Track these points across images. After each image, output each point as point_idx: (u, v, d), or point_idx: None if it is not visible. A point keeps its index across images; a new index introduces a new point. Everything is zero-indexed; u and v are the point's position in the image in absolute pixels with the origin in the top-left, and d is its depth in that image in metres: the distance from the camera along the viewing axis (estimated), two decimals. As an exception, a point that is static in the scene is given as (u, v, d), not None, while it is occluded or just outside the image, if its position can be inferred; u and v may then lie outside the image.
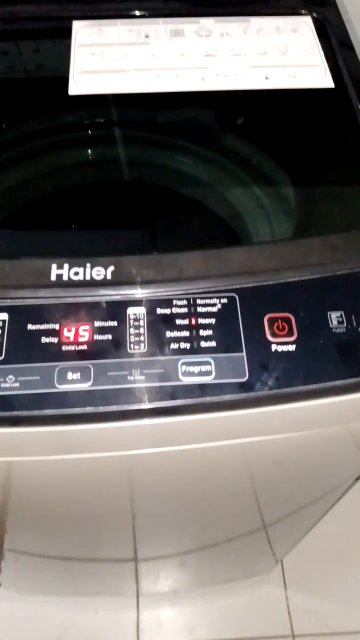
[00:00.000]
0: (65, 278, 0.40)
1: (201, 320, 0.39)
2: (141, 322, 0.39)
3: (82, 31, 0.58)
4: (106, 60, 0.56)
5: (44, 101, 0.60)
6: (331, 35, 0.60)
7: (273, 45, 0.58)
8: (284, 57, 0.57)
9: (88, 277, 0.41)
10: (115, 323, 0.39)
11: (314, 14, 0.61)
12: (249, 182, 0.58)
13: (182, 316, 0.39)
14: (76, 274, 0.41)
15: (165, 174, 0.61)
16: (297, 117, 0.58)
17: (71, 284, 0.40)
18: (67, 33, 0.57)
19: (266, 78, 0.55)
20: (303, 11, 0.61)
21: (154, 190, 0.59)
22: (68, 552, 0.84)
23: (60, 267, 0.41)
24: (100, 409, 0.36)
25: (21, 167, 0.60)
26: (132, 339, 0.38)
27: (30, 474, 0.45)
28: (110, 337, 0.39)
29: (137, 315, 0.39)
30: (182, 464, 0.44)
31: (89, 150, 0.62)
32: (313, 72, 0.56)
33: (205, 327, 0.39)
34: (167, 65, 0.55)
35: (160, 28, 0.59)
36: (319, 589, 1.14)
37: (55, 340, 0.38)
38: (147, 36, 0.58)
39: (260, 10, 0.61)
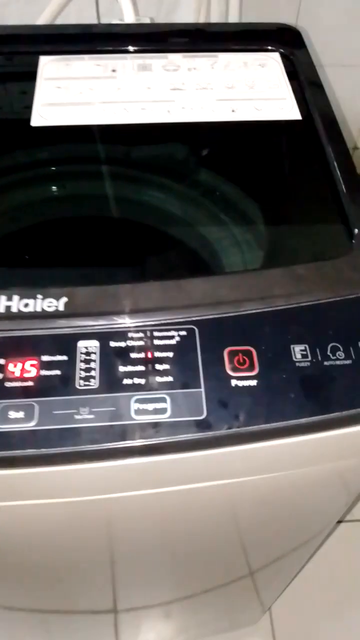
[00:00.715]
0: (14, 310, 0.38)
1: (157, 354, 0.37)
2: (93, 357, 0.37)
3: (49, 65, 0.58)
4: (71, 93, 0.55)
5: (12, 138, 0.59)
6: (299, 70, 0.60)
7: (240, 80, 0.58)
8: (251, 90, 0.57)
9: (39, 309, 0.38)
10: (65, 357, 0.37)
11: (282, 50, 0.61)
12: (219, 214, 0.57)
13: (137, 349, 0.37)
14: (26, 305, 0.39)
15: (134, 208, 0.60)
16: (266, 150, 0.57)
17: (20, 316, 0.38)
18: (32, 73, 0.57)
19: (232, 111, 0.55)
20: (270, 47, 0.61)
21: (120, 224, 0.57)
22: (42, 604, 0.79)
23: (9, 298, 0.39)
24: (43, 451, 0.33)
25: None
26: (82, 374, 0.36)
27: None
28: (59, 372, 0.36)
29: (89, 348, 0.37)
30: (137, 510, 0.41)
31: (54, 187, 0.61)
32: (280, 105, 0.55)
33: (161, 361, 0.37)
34: (133, 99, 0.55)
35: (128, 63, 0.59)
36: (309, 641, 1.07)
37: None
38: (114, 70, 0.58)
39: (228, 46, 0.62)
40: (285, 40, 0.63)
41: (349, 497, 0.54)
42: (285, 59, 0.61)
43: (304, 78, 0.59)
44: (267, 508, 0.48)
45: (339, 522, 1.18)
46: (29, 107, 0.54)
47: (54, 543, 0.48)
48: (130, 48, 0.60)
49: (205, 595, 0.83)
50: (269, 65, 0.60)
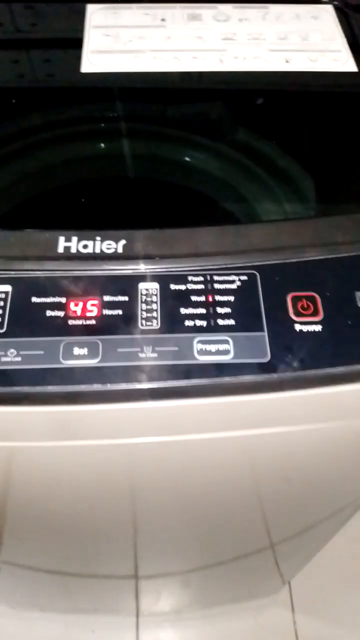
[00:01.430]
0: (73, 251, 0.38)
1: (218, 298, 0.36)
2: (154, 298, 0.36)
3: (97, 13, 0.57)
4: (121, 41, 0.54)
5: (55, 95, 0.58)
6: (354, 23, 0.58)
7: (293, 31, 0.56)
8: (305, 42, 0.55)
9: (98, 251, 0.38)
10: (126, 298, 0.36)
11: (335, 2, 0.59)
12: (262, 174, 0.56)
13: (197, 293, 0.37)
14: (85, 247, 0.38)
15: (175, 168, 0.59)
16: (315, 105, 0.55)
17: (79, 257, 0.38)
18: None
19: (286, 61, 0.53)
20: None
21: (165, 183, 0.57)
22: (66, 567, 0.80)
23: (68, 239, 0.38)
24: (109, 386, 0.33)
25: (28, 159, 0.59)
26: (144, 315, 0.36)
27: (31, 465, 0.41)
28: (120, 312, 0.36)
29: (150, 290, 0.37)
30: (193, 456, 0.41)
31: (101, 143, 0.60)
32: (335, 57, 0.54)
33: (223, 304, 0.36)
34: (183, 47, 0.54)
35: (177, 12, 0.57)
36: (328, 614, 1.08)
37: (61, 314, 0.35)
38: (163, 19, 0.56)
39: (279, -2, 0.60)
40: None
41: None
42: (339, 12, 0.59)
43: (358, 31, 0.57)
44: (308, 467, 0.47)
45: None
46: (78, 56, 0.53)
47: (96, 493, 0.48)
48: (179, -3, 0.59)
49: (225, 565, 0.84)
50: (322, 18, 0.58)
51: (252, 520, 0.64)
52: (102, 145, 0.60)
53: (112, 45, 0.53)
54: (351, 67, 0.53)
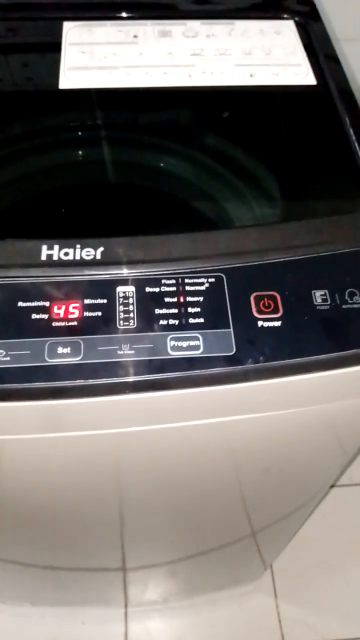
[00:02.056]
0: (55, 258, 0.41)
1: (189, 298, 0.40)
2: (130, 300, 0.40)
3: (73, 31, 0.60)
4: (96, 57, 0.57)
5: (34, 105, 0.61)
6: (313, 38, 0.62)
7: (257, 46, 0.60)
8: (268, 57, 0.59)
9: (78, 257, 0.41)
10: (105, 301, 0.40)
11: (296, 19, 0.63)
12: (234, 179, 0.59)
13: (170, 294, 0.40)
14: (66, 254, 0.41)
15: (153, 174, 0.62)
16: (280, 115, 0.59)
17: (61, 264, 0.41)
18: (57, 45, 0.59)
19: (251, 76, 0.57)
20: (285, 15, 0.63)
21: (141, 189, 0.60)
22: (55, 561, 0.83)
23: (50, 248, 0.42)
24: (90, 381, 0.36)
25: (10, 167, 0.61)
26: (122, 315, 0.39)
27: (19, 457, 0.45)
28: (100, 314, 0.39)
29: (127, 293, 0.40)
30: (170, 444, 0.45)
31: (78, 152, 0.63)
32: (296, 71, 0.58)
33: (193, 304, 0.40)
34: (155, 63, 0.57)
35: (149, 29, 0.61)
36: (309, 598, 1.13)
37: (45, 316, 0.39)
38: (135, 36, 0.60)
39: (244, 14, 0.64)
40: (298, 8, 0.65)
41: (346, 454, 0.57)
42: (300, 27, 0.63)
43: (318, 46, 0.61)
44: (275, 453, 0.51)
45: (332, 486, 1.24)
46: (56, 71, 0.56)
47: (82, 483, 0.51)
48: (150, 15, 0.62)
49: (209, 554, 0.87)
50: (284, 33, 0.62)
51: (233, 507, 0.68)
52: (80, 152, 0.63)
53: (87, 62, 0.57)
54: (310, 80, 0.57)
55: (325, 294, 0.41)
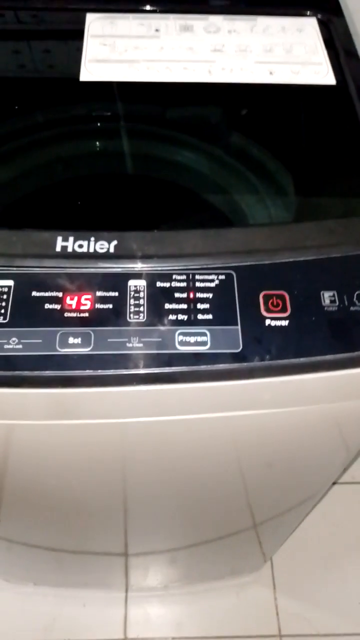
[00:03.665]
0: (69, 250, 0.42)
1: (199, 295, 0.41)
2: (141, 294, 0.41)
3: (95, 23, 0.60)
4: (117, 50, 0.58)
5: (54, 94, 0.62)
6: (335, 37, 0.62)
7: (278, 43, 0.60)
8: (289, 54, 0.59)
9: (92, 250, 0.42)
10: (116, 293, 0.41)
11: (319, 16, 0.63)
12: (250, 175, 0.60)
13: (180, 290, 0.41)
14: (80, 246, 0.42)
15: (169, 167, 0.63)
16: (298, 113, 0.59)
17: (75, 256, 0.42)
18: (79, 34, 0.59)
19: (270, 73, 0.57)
20: (308, 13, 0.63)
21: (157, 181, 0.61)
22: (60, 544, 0.84)
23: (65, 239, 0.43)
24: (99, 372, 0.38)
25: (29, 156, 0.62)
26: (132, 309, 0.40)
27: (28, 441, 0.46)
28: (111, 306, 0.40)
29: (138, 287, 0.41)
30: (174, 436, 0.46)
31: (97, 142, 0.64)
32: (316, 70, 0.58)
33: (202, 300, 0.41)
34: (175, 58, 0.57)
35: (170, 23, 0.61)
36: (307, 592, 1.14)
37: (58, 307, 0.40)
38: (157, 30, 0.60)
39: (267, 10, 0.63)
40: (322, 6, 0.64)
41: (349, 453, 0.58)
42: (322, 25, 0.63)
43: (339, 45, 0.61)
44: (277, 449, 0.52)
45: (334, 483, 1.24)
46: (77, 62, 0.56)
47: (89, 469, 0.53)
48: (173, 8, 0.62)
49: (210, 543, 0.88)
50: (305, 31, 0.62)
51: (235, 500, 0.69)
52: (98, 143, 0.64)
53: (108, 55, 0.57)
54: (330, 80, 0.57)
55: (333, 295, 0.41)
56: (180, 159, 0.62)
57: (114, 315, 0.40)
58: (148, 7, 0.62)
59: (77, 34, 0.59)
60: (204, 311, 0.40)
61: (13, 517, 0.72)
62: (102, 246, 0.42)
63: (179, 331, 0.39)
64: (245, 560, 1.07)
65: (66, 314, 0.39)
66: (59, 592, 1.10)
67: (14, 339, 0.38)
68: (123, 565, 0.99)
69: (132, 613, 1.10)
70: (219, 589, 1.12)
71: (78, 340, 0.38)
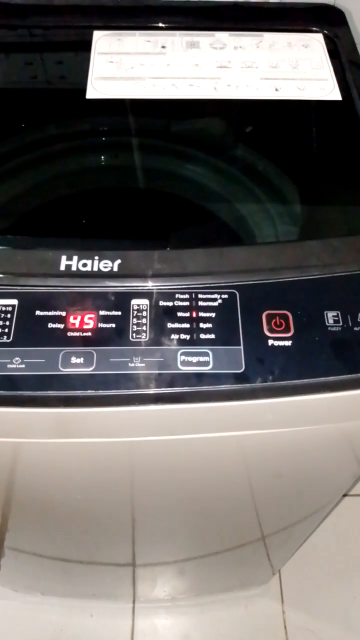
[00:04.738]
0: (73, 269, 0.42)
1: (202, 314, 0.41)
2: (144, 313, 0.41)
3: (102, 40, 0.61)
4: (123, 67, 0.58)
5: (62, 109, 0.63)
6: (341, 52, 0.62)
7: (284, 59, 0.60)
8: (294, 70, 0.59)
9: (96, 269, 0.42)
10: (119, 313, 0.41)
11: (325, 32, 0.63)
12: (255, 190, 0.60)
13: (183, 309, 0.41)
14: (84, 265, 0.43)
15: (175, 181, 0.63)
16: (304, 129, 0.59)
17: (79, 275, 0.42)
18: (87, 46, 0.60)
19: (276, 90, 0.57)
20: (315, 28, 0.63)
21: (162, 196, 0.61)
22: (68, 554, 0.84)
23: (69, 258, 0.43)
24: (101, 392, 0.38)
25: (37, 170, 0.63)
26: (135, 328, 0.40)
27: (33, 459, 0.46)
28: (114, 325, 0.40)
29: (141, 306, 0.41)
30: (177, 455, 0.46)
31: (102, 156, 0.64)
32: (322, 86, 0.58)
33: (205, 320, 0.41)
34: (181, 75, 0.58)
35: (177, 39, 0.61)
36: (316, 605, 1.13)
37: (61, 326, 0.40)
38: (163, 47, 0.60)
39: (273, 26, 0.64)
40: (329, 21, 0.64)
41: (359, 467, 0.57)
42: (329, 40, 0.63)
43: (346, 61, 0.61)
44: (285, 465, 0.52)
45: (345, 495, 1.23)
46: (84, 79, 0.57)
47: (94, 485, 0.53)
48: (179, 25, 0.63)
49: (218, 555, 0.88)
50: (312, 46, 0.62)
51: (242, 514, 0.68)
52: (102, 158, 0.64)
53: (115, 72, 0.58)
54: (336, 96, 0.57)
55: (337, 315, 0.41)
56: (184, 173, 0.63)
57: (117, 335, 0.40)
58: (155, 24, 0.63)
59: (84, 50, 0.60)
60: (206, 330, 0.40)
61: (21, 528, 0.72)
62: (106, 265, 0.43)
63: (181, 351, 0.40)
64: (254, 573, 1.06)
65: (69, 334, 0.40)
66: (67, 602, 1.10)
67: (17, 358, 0.38)
68: (131, 577, 0.99)
69: (139, 624, 1.10)
70: (227, 601, 1.11)
71: (80, 360, 0.39)
